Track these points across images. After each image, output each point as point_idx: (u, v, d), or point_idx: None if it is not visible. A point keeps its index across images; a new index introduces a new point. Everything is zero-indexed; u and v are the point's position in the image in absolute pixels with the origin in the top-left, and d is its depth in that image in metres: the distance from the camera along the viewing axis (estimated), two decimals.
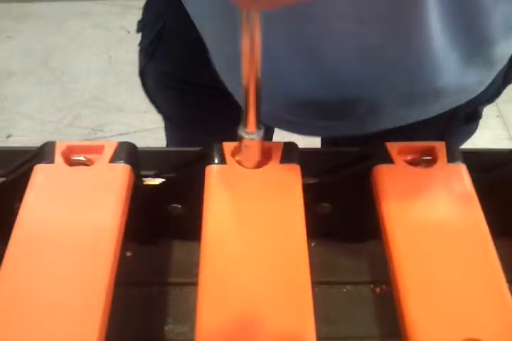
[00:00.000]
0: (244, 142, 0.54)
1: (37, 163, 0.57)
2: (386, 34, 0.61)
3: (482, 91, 0.76)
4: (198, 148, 0.62)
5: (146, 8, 0.89)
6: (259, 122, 0.53)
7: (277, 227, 0.53)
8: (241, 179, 0.57)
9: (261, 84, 0.49)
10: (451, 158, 0.58)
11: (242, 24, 0.44)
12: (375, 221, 0.57)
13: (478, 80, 0.73)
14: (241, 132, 0.54)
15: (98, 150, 0.59)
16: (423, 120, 0.78)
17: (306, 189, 0.56)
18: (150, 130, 2.10)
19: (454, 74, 0.69)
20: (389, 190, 0.56)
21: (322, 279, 0.64)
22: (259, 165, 0.58)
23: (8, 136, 2.09)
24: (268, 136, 0.98)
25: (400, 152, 0.59)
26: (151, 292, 0.65)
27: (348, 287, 0.65)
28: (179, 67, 0.87)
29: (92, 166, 0.57)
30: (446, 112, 0.77)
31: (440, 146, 0.59)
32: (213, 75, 0.77)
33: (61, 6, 2.66)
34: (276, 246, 0.51)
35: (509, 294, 0.48)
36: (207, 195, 0.56)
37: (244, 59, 0.47)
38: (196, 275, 0.50)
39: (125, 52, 2.38)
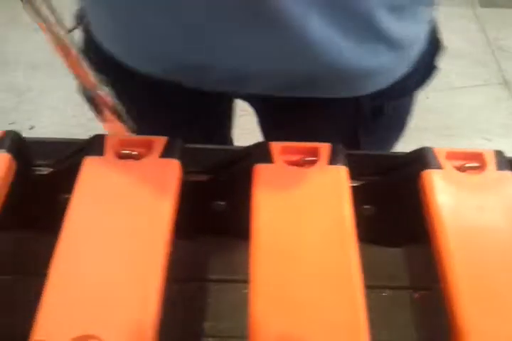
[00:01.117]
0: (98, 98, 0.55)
1: (86, 155, 0.57)
2: None
3: (392, 84, 0.77)
4: (244, 147, 0.62)
5: None
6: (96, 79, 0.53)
7: (326, 228, 0.53)
8: (289, 179, 0.57)
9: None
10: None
11: None
12: (418, 225, 0.57)
13: (380, 63, 0.73)
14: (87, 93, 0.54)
15: (148, 144, 0.58)
16: (329, 111, 0.80)
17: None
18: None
19: (347, 55, 0.69)
20: (437, 193, 0.56)
21: None
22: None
23: (31, 128, 2.09)
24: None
25: (449, 157, 0.60)
26: (191, 288, 0.64)
27: (388, 291, 0.65)
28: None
29: (141, 160, 0.57)
30: (352, 104, 0.79)
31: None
32: None
33: None
34: (327, 246, 0.51)
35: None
36: (255, 193, 0.56)
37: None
38: (240, 273, 0.50)
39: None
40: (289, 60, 0.69)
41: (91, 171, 0.56)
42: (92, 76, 0.51)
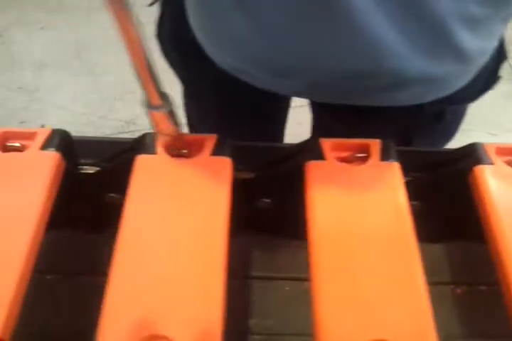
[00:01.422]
0: (153, 115, 0.52)
1: (138, 153, 0.57)
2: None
3: (455, 91, 0.76)
4: (295, 144, 0.61)
5: None
6: (162, 94, 0.51)
7: (385, 225, 0.53)
8: (343, 175, 0.56)
9: (147, 57, 0.47)
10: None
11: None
12: (465, 221, 0.57)
13: (445, 73, 0.71)
14: (148, 106, 0.52)
15: (199, 143, 0.58)
16: (389, 112, 0.78)
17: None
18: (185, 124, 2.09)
19: (412, 62, 0.67)
20: (493, 189, 0.56)
21: None
22: None
23: (42, 126, 2.07)
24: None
25: (498, 152, 0.59)
26: (235, 286, 0.64)
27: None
28: (185, 29, 0.84)
29: (193, 158, 0.57)
30: (413, 107, 0.76)
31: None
32: None
33: None
34: (387, 243, 0.51)
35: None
36: (310, 191, 0.55)
37: (121, 33, 0.45)
38: (282, 270, 0.49)
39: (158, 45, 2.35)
40: (354, 61, 0.68)
41: (144, 169, 0.55)
42: (159, 94, 0.50)
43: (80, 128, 2.03)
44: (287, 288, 0.64)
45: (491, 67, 0.79)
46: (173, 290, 0.47)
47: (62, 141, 0.57)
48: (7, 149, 0.57)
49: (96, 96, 2.17)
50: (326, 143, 0.59)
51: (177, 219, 0.52)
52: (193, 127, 1.07)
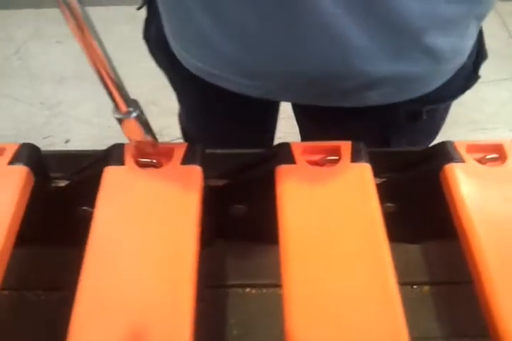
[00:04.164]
0: (122, 122, 0.52)
1: (106, 165, 0.56)
2: None
3: (431, 91, 0.74)
4: (265, 149, 0.60)
5: None
6: (129, 101, 0.51)
7: (357, 227, 0.51)
8: (313, 178, 0.55)
9: (109, 65, 0.47)
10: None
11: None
12: (439, 221, 0.56)
13: (418, 73, 0.69)
14: (116, 114, 0.51)
15: (168, 152, 0.57)
16: (366, 114, 0.77)
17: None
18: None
19: (381, 63, 0.66)
20: (462, 187, 0.54)
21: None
22: None
23: (67, 141, 2.08)
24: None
25: (469, 150, 0.58)
26: (210, 294, 0.63)
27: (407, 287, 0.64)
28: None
29: (162, 168, 0.56)
30: (388, 107, 0.75)
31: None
32: None
33: (106, 10, 2.64)
34: (359, 246, 0.50)
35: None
36: (281, 195, 0.54)
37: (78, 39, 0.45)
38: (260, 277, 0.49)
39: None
40: (321, 63, 0.66)
41: (112, 181, 0.54)
42: (127, 101, 0.50)
43: (106, 141, 2.02)
44: (264, 295, 0.63)
45: (468, 66, 0.77)
46: (142, 304, 0.45)
47: (31, 156, 0.56)
48: None
49: None
50: (297, 147, 0.57)
51: (146, 231, 0.50)
52: (184, 132, 1.06)
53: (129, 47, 2.44)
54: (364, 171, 0.55)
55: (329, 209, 0.52)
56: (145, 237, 0.50)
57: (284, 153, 0.57)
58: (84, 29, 0.43)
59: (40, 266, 0.61)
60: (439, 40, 0.65)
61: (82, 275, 0.47)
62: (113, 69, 0.47)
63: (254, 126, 0.99)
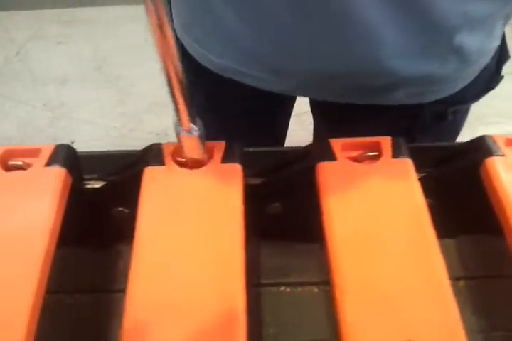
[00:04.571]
0: (182, 139, 0.51)
1: (146, 165, 0.55)
2: None
3: (455, 92, 0.74)
4: (303, 146, 0.59)
5: None
6: (193, 118, 0.50)
7: (404, 224, 0.51)
8: (356, 175, 0.54)
9: (184, 78, 0.46)
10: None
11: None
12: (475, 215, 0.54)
13: (445, 74, 0.69)
14: (177, 129, 0.50)
15: (208, 150, 0.56)
16: (389, 113, 0.76)
17: None
18: None
19: (411, 62, 0.66)
20: (504, 182, 0.53)
21: None
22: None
23: (72, 142, 2.06)
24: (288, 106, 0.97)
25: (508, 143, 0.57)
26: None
27: None
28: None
29: (204, 167, 0.55)
30: (413, 107, 0.75)
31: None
32: None
33: (109, 10, 2.62)
34: (408, 241, 0.49)
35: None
36: (324, 192, 0.53)
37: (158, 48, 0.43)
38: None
39: None
40: (351, 60, 0.66)
41: (154, 181, 0.53)
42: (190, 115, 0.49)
43: (112, 141, 2.01)
44: (298, 294, 0.62)
45: (491, 67, 0.77)
46: (194, 305, 0.45)
47: (67, 157, 0.55)
48: (9, 168, 0.55)
49: (123, 110, 2.15)
50: (336, 144, 0.56)
51: (192, 230, 0.50)
52: None
53: (132, 47, 2.44)
54: (407, 166, 0.55)
55: (375, 206, 0.52)
56: (191, 237, 0.49)
57: (325, 150, 0.56)
58: (166, 31, 0.41)
59: (74, 268, 0.60)
60: (468, 40, 0.65)
61: (131, 276, 0.46)
62: (185, 78, 0.46)
63: (265, 122, 0.97)
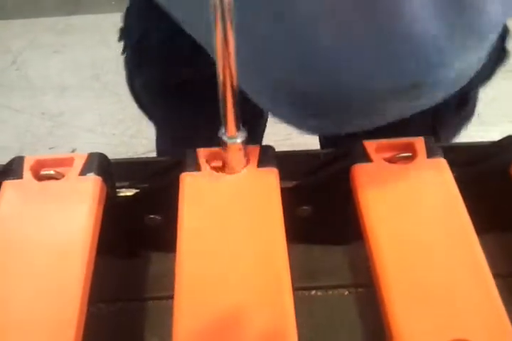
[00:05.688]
0: (227, 146, 0.51)
1: (182, 171, 0.54)
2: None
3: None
4: (335, 149, 0.59)
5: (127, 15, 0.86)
6: (239, 125, 0.50)
7: (445, 224, 0.50)
8: (394, 176, 0.54)
9: (237, 86, 0.46)
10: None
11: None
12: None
13: (477, 60, 0.66)
14: (222, 136, 0.50)
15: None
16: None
17: None
18: None
19: (450, 52, 0.61)
20: None
21: None
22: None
23: (73, 150, 2.06)
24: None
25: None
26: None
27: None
28: (164, 71, 0.84)
29: (241, 172, 0.55)
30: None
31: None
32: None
33: (104, 18, 2.62)
34: (450, 241, 0.49)
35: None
36: (361, 195, 0.53)
37: (219, 58, 0.43)
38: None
39: None
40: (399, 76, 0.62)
41: (193, 187, 0.53)
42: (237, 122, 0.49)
43: (113, 149, 2.01)
44: (329, 297, 0.62)
45: (498, 45, 0.74)
46: (243, 309, 0.44)
47: (101, 165, 0.55)
48: (41, 178, 0.54)
49: (123, 116, 2.14)
50: (370, 145, 0.56)
51: (235, 236, 0.49)
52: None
53: None
54: (442, 166, 0.55)
55: (414, 206, 0.52)
56: (236, 242, 0.49)
57: (359, 151, 0.56)
58: (228, 35, 0.41)
59: (108, 276, 0.59)
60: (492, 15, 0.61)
61: (178, 286, 0.46)
62: (238, 85, 0.46)
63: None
